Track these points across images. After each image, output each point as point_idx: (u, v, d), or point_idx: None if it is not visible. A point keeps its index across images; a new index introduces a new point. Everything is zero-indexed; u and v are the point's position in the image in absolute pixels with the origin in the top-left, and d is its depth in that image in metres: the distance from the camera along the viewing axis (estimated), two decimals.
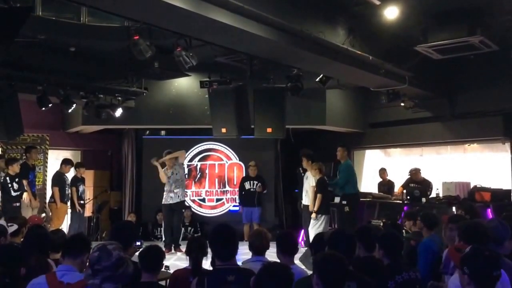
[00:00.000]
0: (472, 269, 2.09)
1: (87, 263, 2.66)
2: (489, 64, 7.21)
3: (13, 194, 6.93)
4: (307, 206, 7.43)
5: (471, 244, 2.49)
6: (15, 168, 7.06)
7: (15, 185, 7.00)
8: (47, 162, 8.47)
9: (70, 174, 8.18)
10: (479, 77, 7.70)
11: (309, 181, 7.50)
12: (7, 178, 6.96)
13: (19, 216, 5.48)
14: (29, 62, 6.27)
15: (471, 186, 7.34)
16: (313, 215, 7.00)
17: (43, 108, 6.74)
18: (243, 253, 3.18)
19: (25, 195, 7.09)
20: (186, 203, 7.64)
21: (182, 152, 7.50)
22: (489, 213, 6.64)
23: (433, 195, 7.47)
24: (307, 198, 7.50)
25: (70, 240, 2.81)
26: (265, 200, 9.00)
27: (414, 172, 7.74)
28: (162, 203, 7.27)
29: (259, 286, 2.12)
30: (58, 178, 7.73)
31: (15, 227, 3.81)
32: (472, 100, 7.90)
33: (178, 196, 7.22)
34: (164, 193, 7.25)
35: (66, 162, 7.91)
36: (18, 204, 6.98)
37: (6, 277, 2.56)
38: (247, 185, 8.50)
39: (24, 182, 7.18)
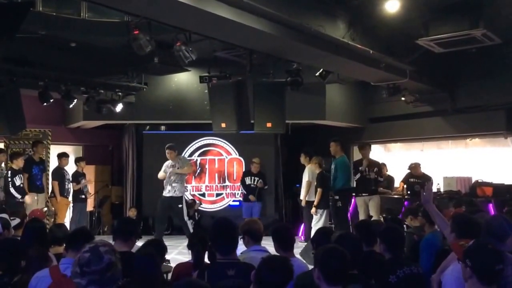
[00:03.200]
0: (475, 262, 2.11)
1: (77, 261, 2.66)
2: (492, 58, 7.17)
3: (17, 185, 6.94)
4: (306, 200, 7.46)
5: (463, 237, 2.55)
6: (19, 163, 7.09)
7: (18, 180, 7.03)
8: (49, 157, 8.49)
9: (71, 168, 8.21)
10: (481, 70, 7.66)
11: (304, 176, 7.53)
12: (9, 172, 6.99)
13: (21, 211, 5.52)
14: (30, 57, 6.28)
15: (473, 181, 7.33)
16: (313, 210, 7.01)
17: (45, 104, 6.76)
18: (243, 248, 3.19)
19: (26, 197, 7.08)
20: (184, 198, 7.42)
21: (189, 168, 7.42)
22: (491, 208, 6.64)
23: (433, 189, 7.45)
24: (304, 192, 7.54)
25: (73, 234, 2.82)
26: (265, 195, 9.01)
27: (414, 167, 7.71)
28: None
29: (259, 280, 2.13)
30: (57, 173, 7.76)
31: (17, 220, 3.86)
32: (474, 94, 7.87)
33: (175, 190, 7.00)
34: (164, 186, 7.12)
35: (61, 155, 7.90)
36: (21, 199, 7.00)
37: (5, 277, 2.58)
38: (247, 181, 8.52)
39: (25, 175, 7.20)
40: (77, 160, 8.24)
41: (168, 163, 7.15)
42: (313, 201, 7.29)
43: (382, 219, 6.56)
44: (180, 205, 7.04)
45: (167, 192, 7.05)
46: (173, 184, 7.03)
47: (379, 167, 7.12)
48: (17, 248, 2.81)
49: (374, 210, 6.79)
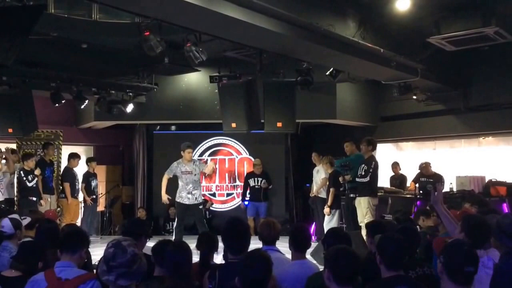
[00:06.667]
0: (447, 259, 2.14)
1: (84, 259, 2.68)
2: (504, 55, 7.06)
3: (29, 185, 7.03)
4: (318, 197, 7.42)
5: (472, 238, 2.56)
6: (29, 164, 7.18)
7: (30, 179, 7.12)
8: (61, 158, 8.59)
9: (81, 168, 8.29)
10: (493, 68, 7.56)
11: (320, 174, 7.50)
12: (21, 172, 7.10)
13: (37, 211, 5.59)
14: (42, 59, 6.36)
15: (486, 180, 7.22)
16: (327, 210, 6.98)
17: (57, 105, 6.84)
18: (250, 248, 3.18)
19: (42, 201, 7.14)
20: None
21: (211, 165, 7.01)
22: (505, 208, 6.53)
23: (446, 189, 7.37)
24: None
25: (67, 236, 2.75)
26: (276, 194, 8.98)
27: (424, 166, 7.62)
28: (176, 200, 6.78)
29: (241, 276, 2.16)
30: (67, 174, 7.81)
31: (28, 219, 3.84)
32: (487, 92, 7.75)
33: (196, 198, 6.73)
34: (180, 191, 6.71)
35: (72, 156, 7.93)
36: (34, 198, 7.10)
37: (25, 278, 2.62)
38: (251, 182, 8.49)
39: (39, 177, 7.29)
40: (88, 161, 8.32)
41: (181, 167, 6.67)
42: (325, 198, 7.25)
43: (394, 219, 6.48)
44: (200, 207, 6.81)
45: (187, 200, 6.64)
46: (193, 192, 6.67)
47: (368, 165, 6.23)
48: (36, 250, 2.85)
49: (359, 213, 6.18)
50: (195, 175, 6.71)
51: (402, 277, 2.37)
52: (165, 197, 6.73)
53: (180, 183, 6.74)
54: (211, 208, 9.19)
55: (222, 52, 6.43)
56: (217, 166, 9.42)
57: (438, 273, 2.21)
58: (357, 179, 6.24)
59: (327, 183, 7.30)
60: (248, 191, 8.53)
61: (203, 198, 9.02)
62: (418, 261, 3.01)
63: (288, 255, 3.08)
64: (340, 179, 6.56)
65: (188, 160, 6.71)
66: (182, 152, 6.71)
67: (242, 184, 9.21)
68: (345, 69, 6.88)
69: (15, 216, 3.67)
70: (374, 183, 6.27)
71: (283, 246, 3.15)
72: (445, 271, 2.13)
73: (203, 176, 9.32)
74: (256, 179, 8.50)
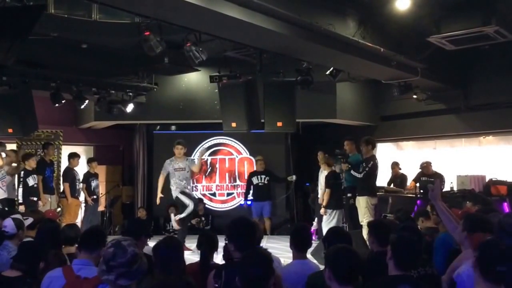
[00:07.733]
0: (481, 255, 2.11)
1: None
2: (505, 54, 7.07)
3: (29, 185, 7.03)
4: (319, 197, 7.41)
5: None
6: (31, 163, 7.19)
7: (31, 180, 7.13)
8: (60, 158, 8.60)
9: (82, 168, 8.28)
10: (494, 67, 7.56)
11: (324, 176, 7.46)
12: (22, 172, 7.10)
13: (38, 211, 5.60)
14: (42, 59, 6.36)
15: (487, 179, 7.23)
16: (322, 210, 6.97)
17: (56, 105, 6.84)
18: None
19: (40, 202, 7.15)
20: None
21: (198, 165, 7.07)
22: (506, 207, 6.54)
23: (447, 188, 7.37)
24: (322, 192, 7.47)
25: (86, 234, 2.79)
26: (276, 194, 8.97)
27: (425, 165, 7.62)
28: (176, 196, 6.79)
29: (242, 274, 2.15)
30: (67, 174, 7.80)
31: (30, 220, 3.85)
32: (487, 92, 7.76)
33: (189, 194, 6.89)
34: (175, 190, 6.76)
35: (72, 156, 7.91)
36: (35, 198, 7.11)
37: (26, 278, 2.62)
38: (255, 180, 8.45)
39: (39, 177, 7.29)
40: (89, 161, 8.32)
41: (174, 164, 6.75)
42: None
43: (395, 218, 6.47)
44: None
45: (184, 197, 6.74)
46: (188, 187, 6.86)
47: (366, 163, 6.28)
48: (37, 250, 2.86)
49: (359, 213, 6.21)
50: (187, 171, 6.82)
51: (405, 276, 2.37)
52: (159, 196, 6.81)
53: (172, 181, 6.79)
54: (211, 208, 9.18)
55: (222, 52, 6.44)
56: (217, 165, 9.43)
57: (473, 268, 2.18)
58: (352, 171, 6.25)
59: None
60: (251, 190, 8.50)
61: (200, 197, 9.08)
62: (420, 261, 3.01)
63: (280, 252, 3.08)
64: (343, 166, 6.49)
65: (178, 156, 6.80)
66: (174, 149, 6.86)
67: (242, 183, 9.22)
68: (345, 69, 6.88)
69: (18, 216, 3.67)
70: (372, 182, 6.28)
71: (284, 245, 3.15)
72: (478, 266, 2.11)
73: (204, 176, 9.34)
74: (259, 176, 8.46)
